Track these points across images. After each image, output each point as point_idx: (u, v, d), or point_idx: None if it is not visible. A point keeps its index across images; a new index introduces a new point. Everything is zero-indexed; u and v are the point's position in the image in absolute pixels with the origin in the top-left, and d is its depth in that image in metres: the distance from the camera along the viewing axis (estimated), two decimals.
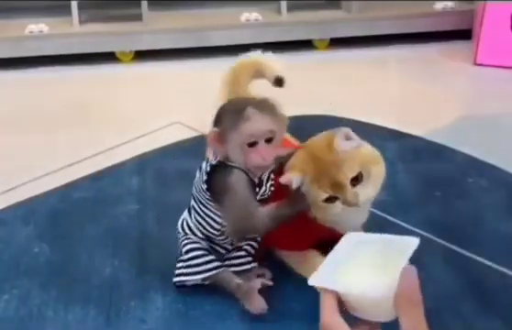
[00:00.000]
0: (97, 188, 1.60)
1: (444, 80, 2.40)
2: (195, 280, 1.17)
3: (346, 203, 1.06)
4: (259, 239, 1.21)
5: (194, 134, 1.91)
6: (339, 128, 1.09)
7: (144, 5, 2.65)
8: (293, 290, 1.17)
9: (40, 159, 1.78)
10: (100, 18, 2.74)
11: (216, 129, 1.10)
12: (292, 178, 1.07)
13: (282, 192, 1.10)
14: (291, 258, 1.24)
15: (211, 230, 1.16)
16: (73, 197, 1.56)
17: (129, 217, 1.46)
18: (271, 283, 1.16)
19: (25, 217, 1.47)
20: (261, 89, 1.30)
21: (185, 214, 1.22)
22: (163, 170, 1.69)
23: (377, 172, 1.09)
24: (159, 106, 2.17)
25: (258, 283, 1.14)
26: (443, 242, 1.32)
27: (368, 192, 1.08)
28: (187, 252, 1.17)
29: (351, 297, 0.67)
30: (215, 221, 1.14)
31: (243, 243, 1.20)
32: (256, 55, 1.40)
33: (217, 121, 1.11)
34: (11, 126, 2.06)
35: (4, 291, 1.21)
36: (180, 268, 1.19)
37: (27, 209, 1.51)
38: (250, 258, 1.20)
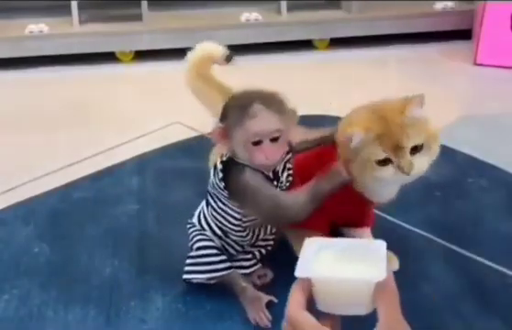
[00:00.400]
0: (97, 188, 1.60)
1: (444, 80, 2.40)
2: (205, 278, 1.15)
3: (400, 168, 1.04)
4: (269, 248, 1.20)
5: (194, 134, 1.91)
6: (415, 95, 1.08)
7: (144, 5, 2.65)
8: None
9: (40, 159, 1.78)
10: (100, 18, 2.74)
11: (220, 125, 1.07)
12: (354, 133, 1.05)
13: (301, 180, 1.09)
14: (298, 240, 1.20)
15: (230, 226, 1.14)
16: (73, 197, 1.56)
17: (129, 217, 1.46)
18: (276, 300, 1.14)
19: (25, 217, 1.47)
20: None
21: (203, 207, 1.19)
22: (163, 170, 1.69)
23: (435, 150, 1.08)
24: (159, 106, 2.17)
25: (266, 297, 1.12)
26: (443, 242, 1.32)
27: (422, 165, 1.06)
28: (199, 249, 1.16)
29: (335, 288, 0.70)
30: (234, 217, 1.13)
31: (253, 248, 1.19)
32: (200, 49, 1.48)
33: (223, 115, 1.08)
34: (11, 126, 2.06)
35: (4, 291, 1.21)
36: (190, 264, 1.17)
37: (27, 209, 1.51)
38: (255, 262, 1.20)
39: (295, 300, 0.71)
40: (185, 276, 1.18)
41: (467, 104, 2.16)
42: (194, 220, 1.19)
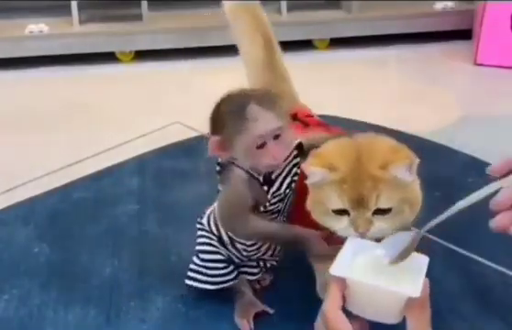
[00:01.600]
0: (97, 188, 1.60)
1: (444, 80, 2.40)
2: (209, 288, 1.13)
3: (354, 224, 0.88)
4: (276, 261, 1.18)
5: (194, 134, 1.91)
6: (404, 149, 0.91)
7: (144, 5, 2.65)
8: (292, 292, 1.17)
9: (40, 159, 1.78)
10: (100, 18, 2.74)
11: (216, 137, 1.01)
12: (313, 170, 0.89)
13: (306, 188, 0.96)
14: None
15: None
16: (73, 197, 1.56)
17: (129, 217, 1.46)
18: (271, 311, 1.13)
19: (25, 217, 1.47)
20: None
21: (214, 207, 1.13)
22: (163, 170, 1.69)
23: (408, 215, 0.91)
24: (159, 106, 2.17)
25: (260, 307, 1.12)
26: (443, 242, 1.32)
27: (383, 229, 0.88)
28: (204, 261, 1.12)
29: (369, 293, 0.69)
30: None
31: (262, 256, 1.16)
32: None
33: (217, 125, 1.03)
34: (11, 126, 2.06)
35: (4, 291, 1.21)
36: (194, 271, 1.14)
37: (27, 209, 1.51)
38: (260, 270, 1.18)
39: (333, 299, 0.70)
40: (188, 282, 1.15)
41: (467, 104, 2.16)
42: (204, 220, 1.14)
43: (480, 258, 1.26)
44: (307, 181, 0.92)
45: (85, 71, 2.59)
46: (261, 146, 0.98)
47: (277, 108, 1.00)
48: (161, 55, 2.62)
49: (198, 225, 1.16)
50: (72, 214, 1.49)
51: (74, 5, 2.62)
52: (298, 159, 1.05)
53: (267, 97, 1.01)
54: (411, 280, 0.70)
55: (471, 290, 1.18)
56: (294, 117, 1.17)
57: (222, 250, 1.12)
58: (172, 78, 2.44)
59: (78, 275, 1.26)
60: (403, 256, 0.72)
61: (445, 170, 1.60)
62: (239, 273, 1.15)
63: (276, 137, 0.99)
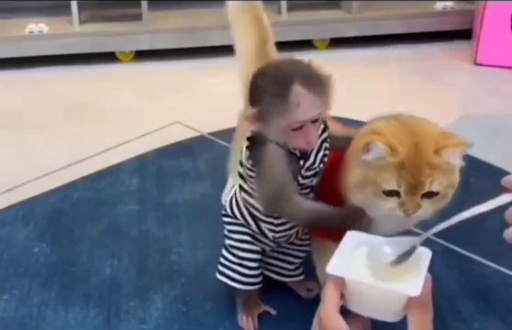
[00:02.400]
0: (97, 188, 1.60)
1: (444, 80, 2.40)
2: (237, 287, 1.10)
3: (404, 206, 0.89)
4: (304, 251, 1.14)
5: (194, 134, 1.91)
6: (454, 135, 0.92)
7: (144, 5, 2.65)
8: (293, 292, 1.17)
9: (40, 159, 1.78)
10: (100, 18, 2.74)
11: (254, 110, 0.95)
12: (374, 144, 0.87)
13: (337, 169, 0.96)
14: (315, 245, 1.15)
15: (259, 211, 1.06)
16: (73, 197, 1.56)
17: (129, 217, 1.46)
18: (274, 312, 1.13)
19: (25, 217, 1.47)
20: None
21: (235, 192, 1.09)
22: (163, 170, 1.69)
23: (447, 199, 0.93)
24: (159, 106, 2.17)
25: (263, 307, 1.12)
26: (443, 242, 1.32)
27: (428, 211, 0.91)
28: (237, 256, 1.09)
29: (368, 292, 0.68)
30: None
31: (290, 249, 1.13)
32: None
33: (256, 97, 0.96)
34: (11, 125, 2.06)
35: (4, 291, 1.21)
36: (226, 267, 1.10)
37: (27, 209, 1.51)
38: (293, 269, 1.15)
39: (330, 301, 0.68)
40: (219, 277, 1.11)
41: (467, 103, 2.16)
42: (227, 209, 1.09)
43: (480, 258, 1.26)
44: (365, 156, 0.89)
45: (85, 71, 2.59)
46: (298, 128, 0.93)
47: (321, 90, 0.93)
48: (161, 55, 2.62)
49: (226, 218, 1.10)
50: (72, 214, 1.49)
51: (74, 5, 2.62)
52: (326, 134, 1.02)
53: (313, 76, 0.94)
54: (412, 276, 0.68)
55: (471, 290, 1.18)
56: None
57: (254, 242, 1.08)
58: (172, 78, 2.44)
59: (78, 275, 1.26)
60: (403, 259, 0.71)
61: None
62: (271, 272, 1.14)
63: (314, 121, 0.94)
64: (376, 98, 2.17)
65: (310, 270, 1.16)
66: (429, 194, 0.90)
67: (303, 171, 0.99)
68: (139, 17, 2.66)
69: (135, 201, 1.53)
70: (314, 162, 1.00)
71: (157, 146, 1.83)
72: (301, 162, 0.98)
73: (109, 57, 2.64)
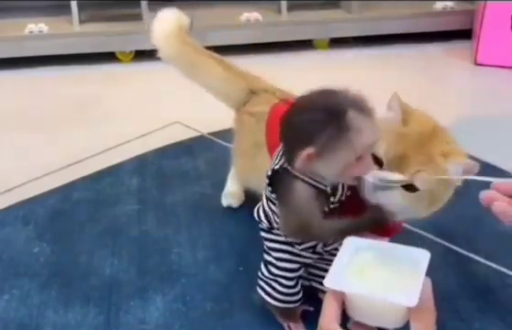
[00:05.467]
0: (97, 188, 1.60)
1: (444, 80, 2.40)
2: (274, 304, 1.07)
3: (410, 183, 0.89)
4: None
5: (193, 134, 1.91)
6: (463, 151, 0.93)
7: (144, 5, 2.65)
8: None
9: (40, 159, 1.78)
10: (100, 18, 2.74)
11: (309, 150, 0.86)
12: (395, 101, 0.91)
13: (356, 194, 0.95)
14: None
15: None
16: (73, 197, 1.56)
17: (129, 217, 1.46)
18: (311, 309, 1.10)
19: (25, 217, 1.47)
20: None
21: (262, 203, 1.04)
22: (163, 170, 1.69)
23: (418, 210, 0.93)
24: (158, 106, 2.17)
25: (300, 309, 1.09)
26: (443, 242, 1.32)
27: (396, 201, 0.91)
28: (275, 274, 1.05)
29: (367, 302, 0.67)
30: None
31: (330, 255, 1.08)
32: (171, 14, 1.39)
33: (309, 134, 0.86)
34: (11, 126, 2.06)
35: (4, 291, 1.21)
36: (266, 283, 1.06)
37: (27, 209, 1.51)
38: None
39: (330, 312, 0.68)
40: (263, 295, 1.08)
41: (467, 103, 2.16)
42: (262, 219, 1.04)
43: (480, 258, 1.26)
44: (382, 115, 0.90)
45: (85, 71, 2.59)
46: (359, 158, 0.87)
47: (371, 111, 0.88)
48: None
49: (264, 234, 1.05)
50: (72, 214, 1.49)
51: (74, 4, 2.62)
52: None
53: (363, 101, 0.88)
54: (410, 283, 0.67)
55: (471, 290, 1.18)
56: None
57: (293, 259, 1.03)
58: (172, 78, 2.43)
59: (78, 275, 1.26)
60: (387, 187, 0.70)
61: None
62: (315, 282, 1.10)
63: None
64: (376, 98, 2.16)
65: None
66: (406, 185, 0.89)
67: (331, 205, 0.95)
68: (139, 17, 2.66)
69: (135, 201, 1.53)
70: (342, 193, 0.96)
71: (157, 146, 1.83)
72: (331, 198, 0.94)
73: (109, 57, 2.64)
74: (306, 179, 0.91)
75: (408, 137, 0.89)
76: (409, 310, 0.67)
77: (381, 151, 0.90)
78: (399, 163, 0.88)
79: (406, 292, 0.66)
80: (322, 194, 0.93)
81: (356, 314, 0.70)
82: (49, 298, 1.19)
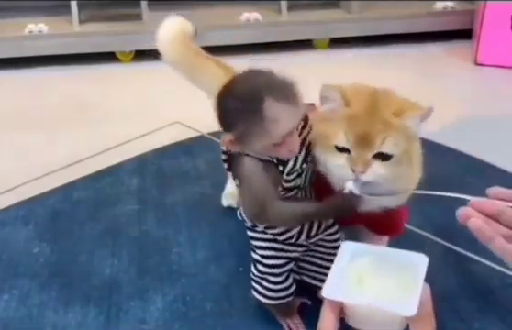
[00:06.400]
0: (97, 188, 1.60)
1: (444, 79, 2.40)
2: (271, 302, 1.08)
3: (352, 162, 0.89)
4: (335, 246, 1.08)
5: (193, 134, 1.91)
6: (417, 103, 0.94)
7: (144, 5, 2.65)
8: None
9: (40, 159, 1.78)
10: (100, 18, 2.74)
11: (230, 136, 0.90)
12: (330, 94, 0.90)
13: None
14: None
15: None
16: (73, 197, 1.56)
17: (129, 217, 1.46)
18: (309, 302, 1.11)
19: (25, 217, 1.47)
20: None
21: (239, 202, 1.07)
22: (163, 170, 1.69)
23: (402, 173, 0.92)
24: (159, 106, 2.17)
25: (297, 303, 1.10)
26: (443, 242, 1.32)
27: (378, 174, 0.89)
28: (263, 272, 1.06)
29: (366, 310, 0.67)
30: None
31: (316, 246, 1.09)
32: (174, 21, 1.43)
33: (228, 121, 0.90)
34: (11, 126, 2.06)
35: (4, 291, 1.21)
36: (257, 283, 1.08)
37: (27, 209, 1.51)
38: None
39: (327, 322, 0.68)
40: (254, 294, 1.09)
41: (467, 103, 2.16)
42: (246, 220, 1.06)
43: (480, 258, 1.26)
44: (322, 109, 0.92)
45: (85, 71, 2.58)
46: (280, 143, 0.89)
47: (294, 97, 0.88)
48: (161, 55, 2.61)
49: (249, 232, 1.06)
50: (72, 214, 1.49)
51: (74, 4, 2.61)
52: (307, 130, 0.98)
53: (281, 85, 0.88)
54: (409, 290, 0.67)
55: (471, 290, 1.18)
56: None
57: (278, 255, 1.05)
58: (172, 78, 2.43)
59: (78, 275, 1.26)
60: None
61: (445, 170, 1.60)
62: (307, 277, 1.11)
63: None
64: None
65: None
66: (381, 156, 0.89)
67: (284, 176, 0.96)
68: (139, 17, 2.66)
69: (135, 201, 1.53)
70: (295, 164, 0.97)
71: (157, 146, 1.83)
72: (280, 168, 0.95)
73: (109, 57, 2.64)
74: (252, 153, 0.93)
75: (358, 116, 0.90)
76: (407, 317, 0.67)
77: (341, 141, 0.90)
78: (363, 142, 0.89)
79: (404, 300, 0.66)
80: (270, 166, 0.94)
81: (355, 322, 0.70)
82: (49, 298, 1.19)
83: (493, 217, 0.70)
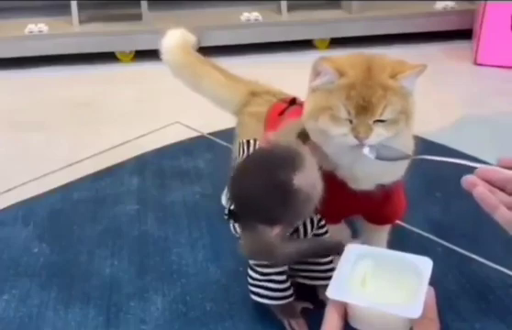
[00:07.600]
0: (97, 188, 1.60)
1: (444, 79, 2.40)
2: (270, 304, 1.08)
3: (355, 130, 0.90)
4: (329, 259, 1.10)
5: (193, 134, 1.91)
6: (410, 63, 0.95)
7: (144, 5, 2.65)
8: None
9: (40, 159, 1.78)
10: (100, 18, 2.74)
11: (278, 229, 0.92)
12: (326, 68, 0.91)
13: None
14: None
15: None
16: (73, 197, 1.56)
17: (129, 217, 1.46)
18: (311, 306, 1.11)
19: (25, 217, 1.47)
20: None
21: (225, 193, 1.11)
22: (163, 170, 1.69)
23: (401, 130, 0.94)
24: (159, 106, 2.17)
25: (300, 305, 1.10)
26: (443, 242, 1.32)
27: (380, 135, 0.91)
28: (262, 274, 1.06)
29: (370, 313, 0.67)
30: None
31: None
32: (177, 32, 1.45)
33: (267, 217, 0.92)
34: (11, 125, 2.06)
35: (4, 291, 1.21)
36: (255, 286, 1.08)
37: (27, 209, 1.51)
38: (325, 271, 1.10)
39: (331, 323, 0.67)
40: (253, 296, 1.09)
41: (467, 103, 2.16)
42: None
43: (480, 258, 1.26)
44: (314, 83, 0.93)
45: (85, 71, 2.59)
46: None
47: (304, 157, 0.90)
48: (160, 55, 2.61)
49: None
50: (72, 214, 1.49)
51: (74, 4, 2.62)
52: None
53: (296, 156, 0.90)
54: (413, 293, 0.68)
55: (471, 290, 1.18)
56: (293, 102, 1.17)
57: None
58: (172, 78, 2.43)
59: (78, 275, 1.26)
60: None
61: (445, 169, 1.60)
62: (303, 278, 1.11)
63: None
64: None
65: None
66: (380, 120, 0.91)
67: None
68: (139, 17, 2.67)
69: (135, 201, 1.53)
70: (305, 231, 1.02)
71: (157, 146, 1.83)
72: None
73: (109, 57, 2.64)
74: None
75: (355, 85, 0.91)
76: (412, 320, 0.67)
77: (343, 113, 0.91)
78: (365, 111, 0.90)
79: (409, 303, 0.66)
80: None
81: (359, 324, 0.70)
82: (49, 298, 1.19)
83: (499, 186, 0.70)
